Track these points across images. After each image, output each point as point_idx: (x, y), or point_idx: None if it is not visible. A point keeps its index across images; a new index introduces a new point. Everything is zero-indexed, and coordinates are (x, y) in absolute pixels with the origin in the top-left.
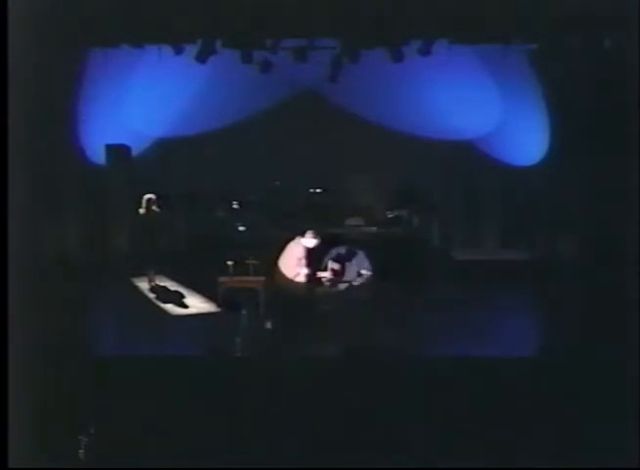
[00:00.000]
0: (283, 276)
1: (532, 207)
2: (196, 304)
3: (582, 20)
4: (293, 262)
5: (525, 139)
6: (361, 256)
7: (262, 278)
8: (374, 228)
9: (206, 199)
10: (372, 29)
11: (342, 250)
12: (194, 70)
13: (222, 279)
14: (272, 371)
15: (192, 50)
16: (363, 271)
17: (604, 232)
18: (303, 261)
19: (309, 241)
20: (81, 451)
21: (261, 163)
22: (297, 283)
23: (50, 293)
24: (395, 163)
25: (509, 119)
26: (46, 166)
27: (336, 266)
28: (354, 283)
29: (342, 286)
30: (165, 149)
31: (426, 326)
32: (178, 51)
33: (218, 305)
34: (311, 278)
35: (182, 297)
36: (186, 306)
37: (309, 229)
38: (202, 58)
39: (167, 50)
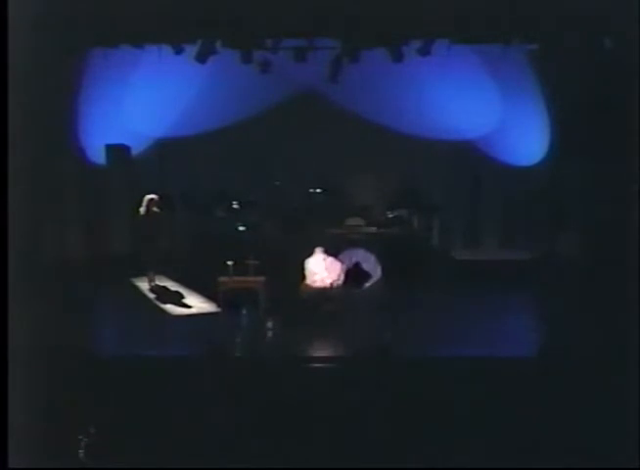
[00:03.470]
0: (304, 280)
1: (532, 207)
2: (196, 304)
3: (582, 20)
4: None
5: (525, 139)
6: (364, 257)
7: (262, 278)
8: (374, 228)
9: (207, 199)
10: (372, 29)
11: (352, 253)
12: (194, 70)
13: (222, 279)
14: (272, 371)
15: (192, 50)
16: None
17: (604, 232)
18: (319, 267)
19: (320, 263)
20: (81, 451)
21: (261, 163)
22: (312, 287)
23: (50, 293)
24: (395, 163)
25: (509, 119)
26: (46, 166)
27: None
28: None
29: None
30: (165, 149)
31: (425, 326)
32: (178, 51)
33: (218, 305)
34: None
35: (182, 297)
36: (186, 306)
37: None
38: (202, 58)
39: (167, 50)
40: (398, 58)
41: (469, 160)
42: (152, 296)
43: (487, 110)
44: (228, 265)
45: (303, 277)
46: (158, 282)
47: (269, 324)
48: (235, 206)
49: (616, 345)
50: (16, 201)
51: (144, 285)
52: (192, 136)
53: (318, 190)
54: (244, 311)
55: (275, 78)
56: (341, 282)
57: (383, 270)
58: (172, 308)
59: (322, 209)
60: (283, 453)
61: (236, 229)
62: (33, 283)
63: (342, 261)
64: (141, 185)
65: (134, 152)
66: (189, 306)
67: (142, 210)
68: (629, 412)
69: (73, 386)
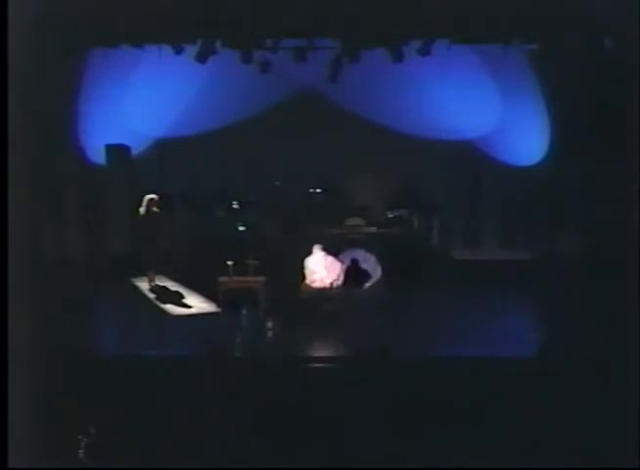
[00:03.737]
0: (305, 281)
1: (532, 207)
2: (196, 304)
3: (582, 20)
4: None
5: (525, 139)
6: (364, 257)
7: (262, 278)
8: (374, 228)
9: (206, 199)
10: (372, 29)
11: (352, 253)
12: (194, 70)
13: (222, 279)
14: (272, 371)
15: (192, 50)
16: None
17: (604, 232)
18: (319, 266)
19: (320, 262)
20: (81, 451)
21: (261, 162)
22: (312, 287)
23: (50, 293)
24: (395, 163)
25: (509, 119)
26: (46, 166)
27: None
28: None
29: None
30: (165, 149)
31: (425, 326)
32: (178, 51)
33: (218, 305)
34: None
35: (182, 297)
36: (186, 306)
37: (318, 244)
38: (202, 58)
39: (167, 50)
40: (398, 58)
41: (469, 160)
42: (152, 296)
43: (487, 110)
44: (228, 265)
45: (303, 277)
46: (158, 282)
47: (269, 324)
48: (235, 206)
49: (616, 345)
50: (16, 201)
51: (144, 285)
52: (192, 136)
53: (318, 190)
54: (244, 311)
55: (275, 78)
56: (340, 282)
57: (383, 270)
58: (172, 308)
59: (322, 209)
60: (283, 453)
61: (236, 229)
62: (33, 283)
63: (341, 261)
64: (141, 185)
65: (134, 152)
66: (189, 306)
67: (142, 210)
68: (629, 412)
69: (73, 386)
